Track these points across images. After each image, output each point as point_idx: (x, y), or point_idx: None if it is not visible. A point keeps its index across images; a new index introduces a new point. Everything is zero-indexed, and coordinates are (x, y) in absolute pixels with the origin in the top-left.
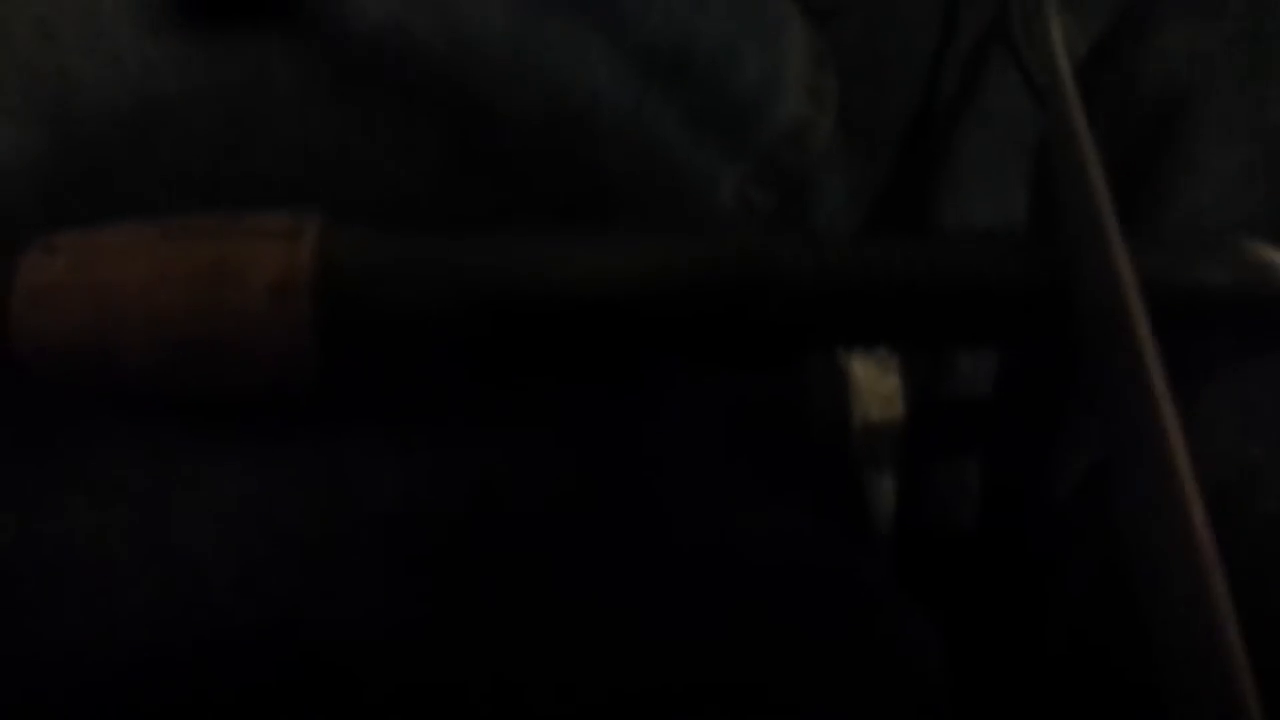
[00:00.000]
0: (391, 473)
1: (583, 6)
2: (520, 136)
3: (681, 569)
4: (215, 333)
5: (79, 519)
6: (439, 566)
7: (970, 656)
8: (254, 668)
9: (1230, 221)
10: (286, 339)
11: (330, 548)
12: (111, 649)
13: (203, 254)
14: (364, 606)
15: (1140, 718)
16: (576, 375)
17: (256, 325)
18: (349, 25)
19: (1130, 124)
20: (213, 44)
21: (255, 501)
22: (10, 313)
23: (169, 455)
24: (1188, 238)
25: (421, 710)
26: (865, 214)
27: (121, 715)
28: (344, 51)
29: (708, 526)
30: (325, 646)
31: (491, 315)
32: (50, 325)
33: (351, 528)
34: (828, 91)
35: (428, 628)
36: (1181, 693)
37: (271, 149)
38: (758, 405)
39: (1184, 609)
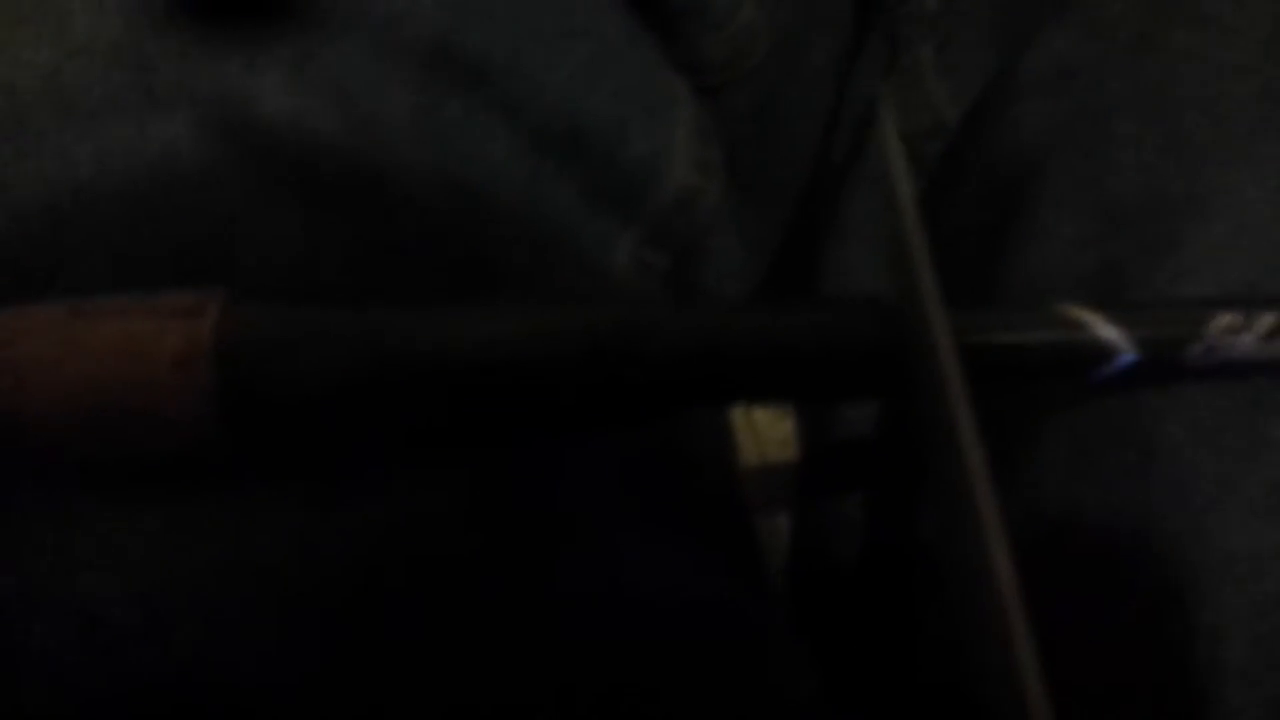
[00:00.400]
0: (289, 527)
1: (479, 89)
2: (418, 213)
3: (571, 614)
4: (123, 404)
5: None
6: (335, 616)
7: (852, 685)
8: (159, 714)
9: (1069, 281)
10: (190, 409)
11: (231, 599)
12: (19, 699)
13: (111, 331)
14: (264, 655)
15: None
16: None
17: (162, 397)
18: (251, 112)
19: (990, 188)
20: (125, 131)
21: (158, 555)
22: None
23: (76, 512)
24: (1010, 301)
25: None
26: (760, 270)
27: None
28: (247, 137)
29: (597, 572)
30: (227, 694)
31: (382, 383)
32: None
33: (251, 580)
34: (714, 163)
35: (325, 674)
36: None
37: (180, 230)
38: (648, 453)
39: (988, 643)
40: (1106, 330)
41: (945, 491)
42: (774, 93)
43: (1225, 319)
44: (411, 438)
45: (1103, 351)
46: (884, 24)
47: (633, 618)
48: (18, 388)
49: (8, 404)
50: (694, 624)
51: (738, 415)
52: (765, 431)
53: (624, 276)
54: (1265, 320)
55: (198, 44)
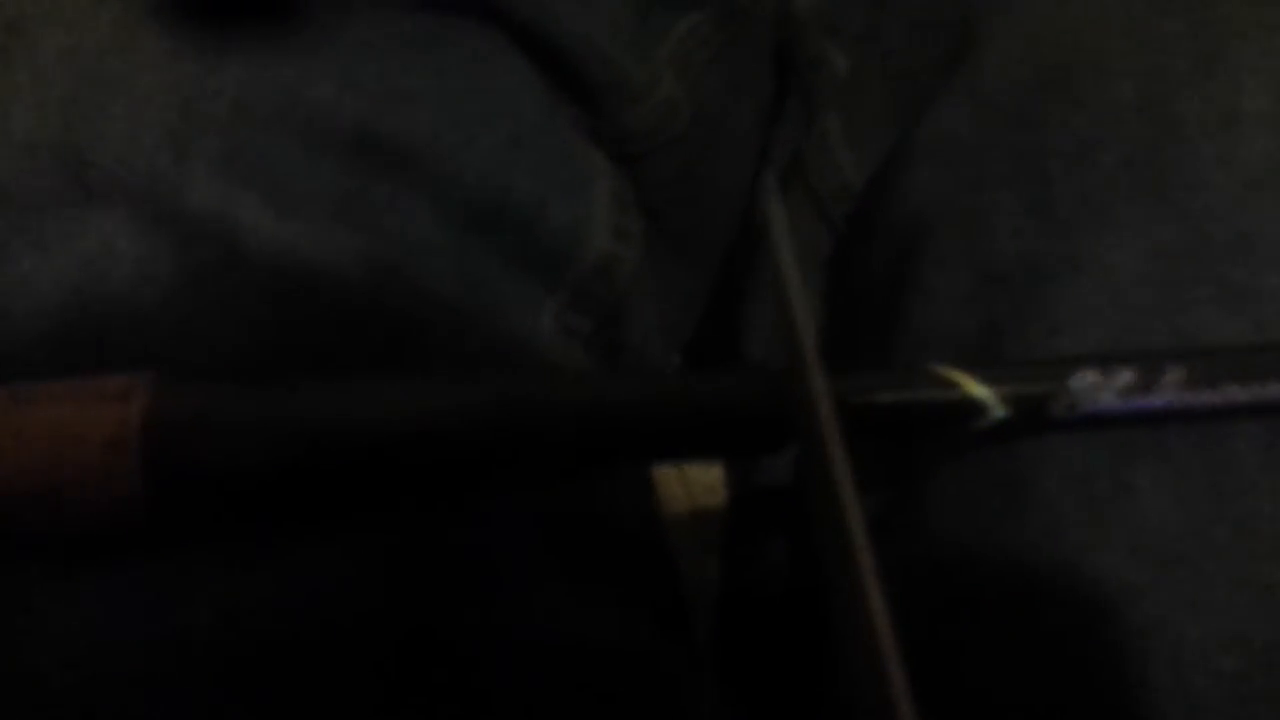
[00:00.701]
0: (215, 594)
1: (404, 171)
2: (347, 292)
3: (489, 670)
4: (58, 486)
5: None
6: (263, 683)
7: None
8: None
9: (952, 340)
10: (120, 490)
11: (161, 666)
12: None
13: (47, 416)
14: (198, 718)
15: None
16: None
17: (93, 479)
18: (181, 203)
19: (887, 251)
20: (64, 226)
21: (93, 625)
22: None
23: (12, 583)
24: (890, 364)
25: None
26: (691, 327)
27: None
28: (178, 226)
29: (515, 628)
30: None
31: (305, 459)
32: None
33: (180, 647)
34: (632, 231)
35: None
36: None
37: (117, 315)
38: (565, 508)
39: (866, 684)
40: (977, 389)
41: (828, 544)
42: (697, 158)
43: (1086, 376)
44: (333, 507)
45: (975, 408)
46: (800, 89)
47: (549, 671)
48: None
49: None
50: (609, 674)
51: None
52: (694, 478)
53: (549, 341)
54: (1124, 376)
55: (130, 139)
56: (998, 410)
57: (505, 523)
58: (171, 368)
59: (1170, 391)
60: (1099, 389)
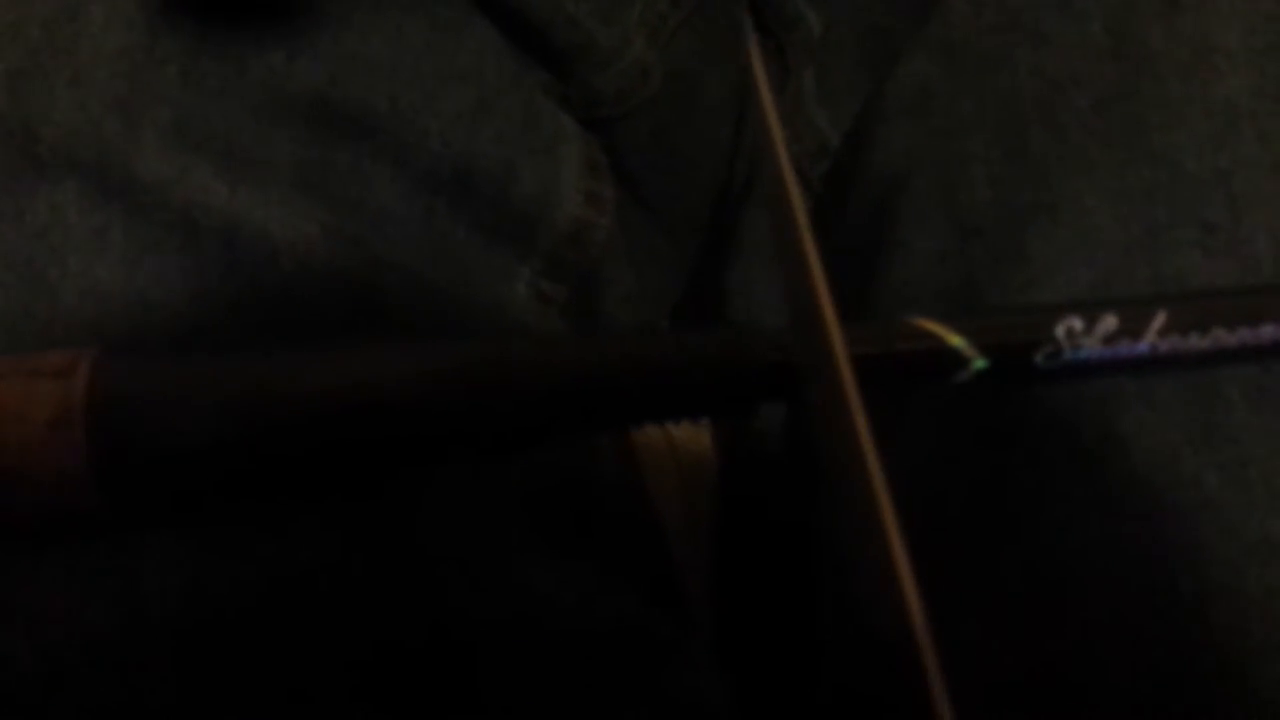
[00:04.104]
0: (183, 576)
1: (364, 138)
2: (307, 262)
3: (469, 645)
4: (2, 467)
5: None
6: (228, 658)
7: (771, 697)
8: None
9: (931, 293)
10: (67, 469)
11: (130, 650)
12: None
13: None
14: (165, 705)
15: None
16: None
17: (37, 459)
18: (132, 174)
19: (864, 207)
20: (15, 201)
21: (59, 607)
22: None
23: None
24: (866, 317)
25: None
26: (675, 292)
27: None
28: (130, 196)
29: (495, 602)
30: None
31: (256, 433)
32: None
33: (148, 630)
34: (604, 196)
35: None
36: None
37: (70, 289)
38: (547, 481)
39: (885, 617)
40: (955, 339)
41: (849, 498)
42: (671, 123)
43: (1068, 323)
44: (292, 483)
45: (954, 359)
46: (774, 51)
47: (532, 644)
48: None
49: None
50: (593, 647)
51: (655, 431)
52: (684, 446)
53: (523, 308)
54: (1107, 322)
55: (78, 109)
56: (978, 361)
57: (478, 496)
58: (124, 342)
59: (1156, 337)
60: (1082, 336)
